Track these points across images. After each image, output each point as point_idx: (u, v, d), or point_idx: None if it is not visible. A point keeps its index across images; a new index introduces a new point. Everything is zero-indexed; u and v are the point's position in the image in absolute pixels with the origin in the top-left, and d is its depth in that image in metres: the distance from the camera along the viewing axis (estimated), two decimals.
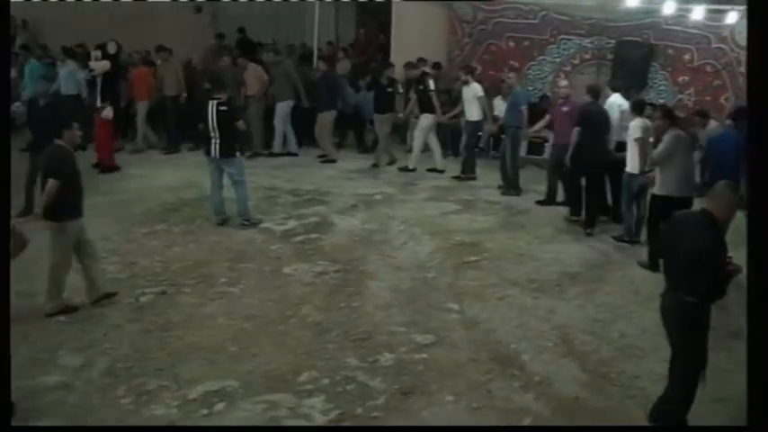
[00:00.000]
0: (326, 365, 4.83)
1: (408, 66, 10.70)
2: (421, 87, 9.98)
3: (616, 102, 8.24)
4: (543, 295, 6.10)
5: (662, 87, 10.03)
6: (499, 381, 4.70)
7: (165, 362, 4.81)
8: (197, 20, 13.55)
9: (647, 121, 7.26)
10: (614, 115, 8.04)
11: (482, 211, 8.46)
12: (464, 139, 9.87)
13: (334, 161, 10.52)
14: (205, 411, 4.27)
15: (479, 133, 10.40)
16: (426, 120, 9.94)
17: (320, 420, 4.20)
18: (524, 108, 8.97)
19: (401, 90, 10.38)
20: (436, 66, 11.04)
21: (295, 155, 10.74)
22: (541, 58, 10.92)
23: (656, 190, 6.73)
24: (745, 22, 9.14)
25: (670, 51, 10.14)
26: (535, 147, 10.50)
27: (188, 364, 4.79)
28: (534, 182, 9.42)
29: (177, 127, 10.77)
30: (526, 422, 4.24)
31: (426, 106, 9.92)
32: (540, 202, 8.78)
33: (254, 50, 12.35)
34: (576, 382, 4.70)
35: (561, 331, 5.43)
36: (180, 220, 7.57)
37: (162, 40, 11.18)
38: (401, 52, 11.22)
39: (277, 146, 10.68)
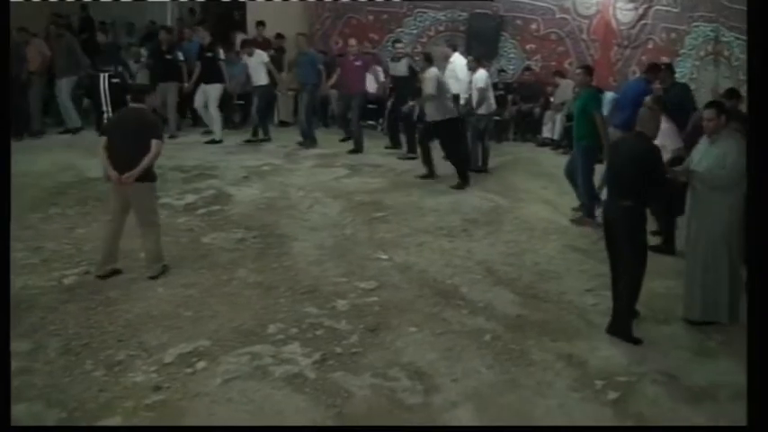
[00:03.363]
0: (288, 317, 4.98)
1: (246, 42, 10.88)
2: (209, 55, 10.16)
3: (461, 61, 9.61)
4: (455, 239, 6.66)
5: (512, 55, 11.04)
6: (449, 310, 5.17)
7: (123, 333, 4.67)
8: None
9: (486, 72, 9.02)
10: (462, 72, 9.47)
11: (370, 174, 8.86)
12: (255, 102, 10.33)
13: None
14: (189, 371, 4.26)
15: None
16: (215, 90, 10.16)
17: (306, 363, 4.37)
18: (321, 67, 10.18)
19: (182, 58, 10.24)
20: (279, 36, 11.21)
21: (73, 131, 9.86)
22: (399, 30, 11.47)
23: (428, 118, 8.46)
24: None
25: (518, 22, 11.12)
26: None
27: (149, 332, 4.70)
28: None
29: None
30: (486, 338, 4.74)
31: (214, 76, 10.14)
32: (352, 152, 9.85)
33: (94, 29, 11.60)
34: (514, 304, 5.30)
35: (484, 266, 6.02)
36: (72, 203, 7.13)
37: None
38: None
39: (68, 121, 9.98)
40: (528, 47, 11.12)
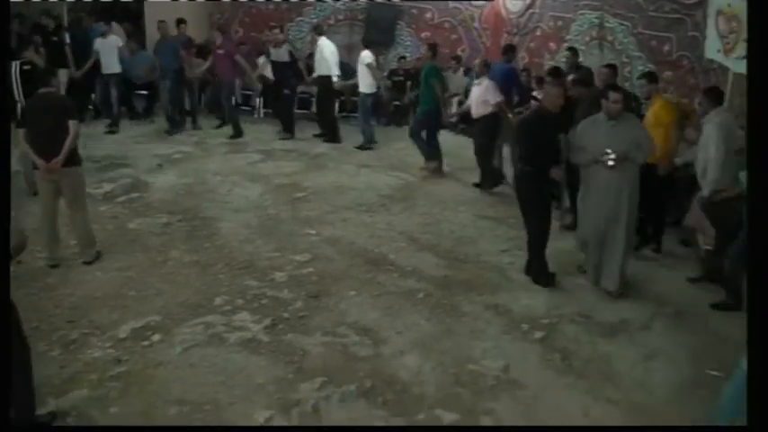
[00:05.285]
0: (231, 290, 5.23)
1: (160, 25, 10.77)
2: (55, 39, 10.02)
3: (326, 43, 9.83)
4: (375, 214, 7.10)
5: (408, 43, 11.59)
6: (382, 275, 5.60)
7: (71, 315, 4.77)
8: None
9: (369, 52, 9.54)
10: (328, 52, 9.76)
11: (283, 159, 9.13)
12: (113, 92, 10.15)
13: None
14: (145, 343, 4.44)
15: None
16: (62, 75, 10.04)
17: (257, 328, 4.66)
18: (184, 53, 10.13)
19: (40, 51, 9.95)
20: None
21: None
22: (299, 19, 11.77)
23: None
24: None
25: (414, 11, 11.66)
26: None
27: (96, 312, 4.82)
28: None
29: None
30: (420, 296, 5.22)
31: (57, 61, 9.81)
32: (231, 137, 10.04)
33: None
34: (439, 266, 5.82)
35: (406, 235, 6.50)
36: None
37: None
38: (158, 16, 11.05)
39: None
40: (423, 35, 11.64)
